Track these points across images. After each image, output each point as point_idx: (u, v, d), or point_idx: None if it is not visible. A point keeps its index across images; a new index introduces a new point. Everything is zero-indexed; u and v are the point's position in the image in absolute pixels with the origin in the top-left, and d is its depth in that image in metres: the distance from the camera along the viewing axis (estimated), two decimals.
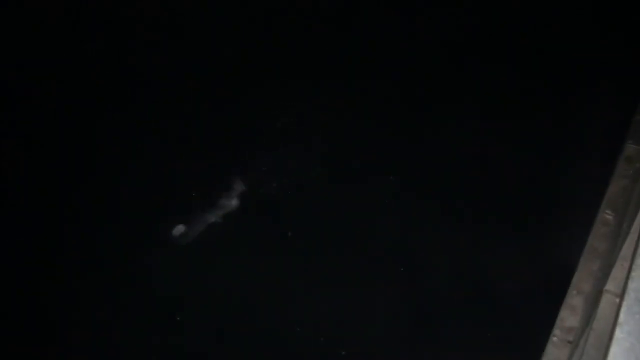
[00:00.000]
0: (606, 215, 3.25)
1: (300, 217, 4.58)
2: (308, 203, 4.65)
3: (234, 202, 4.66)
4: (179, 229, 4.42)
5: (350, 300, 4.07)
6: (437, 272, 4.15)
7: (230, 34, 5.72)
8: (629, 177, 3.37)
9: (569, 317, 2.96)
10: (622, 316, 1.94)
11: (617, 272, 2.41)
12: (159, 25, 5.76)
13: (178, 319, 4.03)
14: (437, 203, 4.54)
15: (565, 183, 4.48)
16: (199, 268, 4.33)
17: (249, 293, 4.12)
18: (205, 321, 4.04)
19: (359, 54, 5.59)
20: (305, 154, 4.96)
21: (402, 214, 4.52)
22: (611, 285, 2.40)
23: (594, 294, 2.80)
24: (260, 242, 4.45)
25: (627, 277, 1.99)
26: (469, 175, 4.67)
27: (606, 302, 2.36)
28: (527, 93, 5.19)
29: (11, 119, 5.10)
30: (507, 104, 5.13)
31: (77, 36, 5.56)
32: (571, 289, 3.06)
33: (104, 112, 5.17)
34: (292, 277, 4.22)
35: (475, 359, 3.70)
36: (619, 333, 1.94)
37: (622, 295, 1.97)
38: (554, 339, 2.89)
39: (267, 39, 5.69)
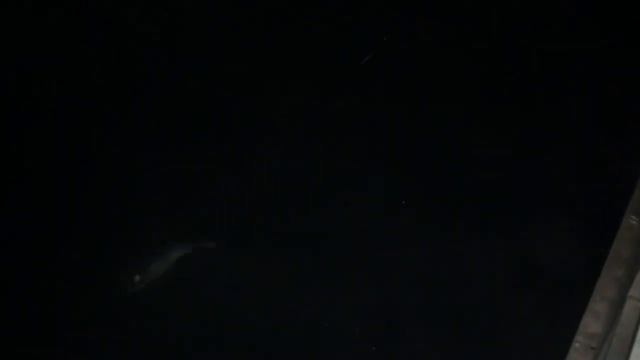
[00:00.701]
0: (631, 220, 3.25)
1: (298, 218, 4.58)
2: (304, 204, 4.64)
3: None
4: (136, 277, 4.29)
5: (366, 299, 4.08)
6: (457, 274, 4.16)
7: (230, 34, 5.71)
8: None
9: (592, 323, 2.96)
10: None
11: None
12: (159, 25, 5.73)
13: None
14: (452, 206, 4.56)
15: (590, 188, 4.49)
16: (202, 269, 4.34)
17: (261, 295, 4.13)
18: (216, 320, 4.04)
19: (359, 54, 5.58)
20: (301, 154, 4.95)
21: (408, 215, 4.53)
22: (635, 291, 2.39)
23: (618, 300, 2.80)
24: (263, 244, 4.46)
25: None
26: (484, 178, 4.68)
27: (630, 308, 2.35)
28: (540, 95, 5.21)
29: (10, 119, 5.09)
30: (521, 106, 5.14)
31: (77, 36, 5.53)
32: (595, 294, 3.05)
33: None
34: (302, 277, 4.23)
35: None
36: None
37: None
38: (577, 344, 2.89)
39: (267, 39, 5.67)
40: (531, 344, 3.78)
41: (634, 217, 3.28)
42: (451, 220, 4.48)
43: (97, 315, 4.07)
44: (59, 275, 4.23)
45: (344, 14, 5.86)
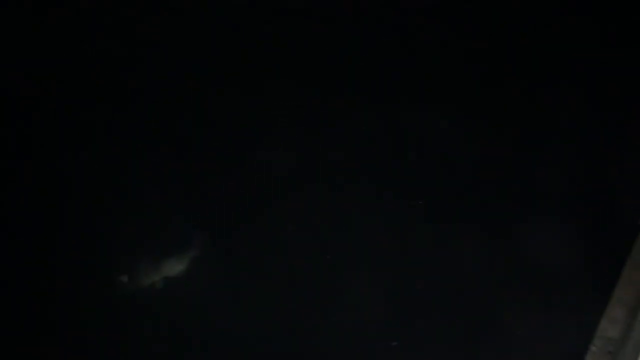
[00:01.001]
0: None
1: (298, 216, 4.58)
2: (302, 204, 4.65)
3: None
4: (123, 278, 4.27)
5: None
6: (469, 276, 4.15)
7: (230, 34, 5.71)
8: None
9: (609, 328, 2.97)
10: None
11: None
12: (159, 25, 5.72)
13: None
14: (468, 208, 4.56)
15: (608, 193, 4.48)
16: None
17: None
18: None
19: (358, 54, 5.58)
20: (300, 154, 4.95)
21: (414, 216, 4.53)
22: None
23: (636, 305, 2.80)
24: (269, 244, 4.45)
25: None
26: (498, 180, 4.69)
27: None
28: (540, 95, 5.21)
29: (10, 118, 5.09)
30: (522, 106, 5.15)
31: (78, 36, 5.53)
32: (613, 300, 3.05)
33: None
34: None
35: None
36: None
37: None
38: (593, 348, 2.89)
39: (267, 39, 5.67)
40: (548, 347, 3.75)
41: None
42: (465, 221, 4.49)
43: (93, 315, 4.07)
44: (53, 275, 4.24)
45: (344, 13, 5.86)
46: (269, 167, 4.84)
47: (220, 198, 4.67)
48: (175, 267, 4.29)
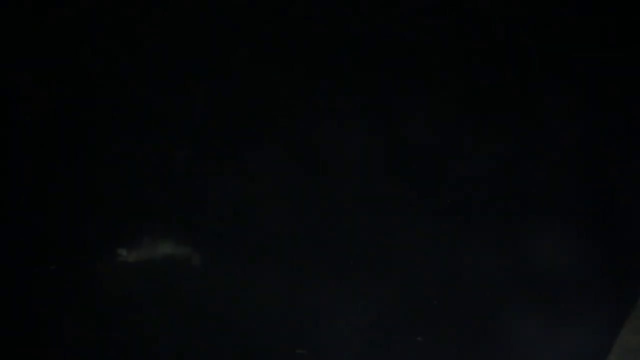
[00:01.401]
0: None
1: (299, 215, 4.58)
2: (302, 203, 4.65)
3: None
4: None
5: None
6: (486, 283, 4.13)
7: (230, 34, 5.72)
8: None
9: (632, 338, 2.93)
10: None
11: None
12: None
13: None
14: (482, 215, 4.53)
15: (635, 201, 4.48)
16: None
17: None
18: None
19: (358, 54, 5.59)
20: (301, 154, 4.96)
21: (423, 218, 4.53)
22: None
23: None
24: (276, 245, 4.44)
25: None
26: (513, 181, 4.69)
27: None
28: (541, 95, 5.21)
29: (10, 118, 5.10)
30: (523, 106, 5.15)
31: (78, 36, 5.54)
32: (636, 310, 3.03)
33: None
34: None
35: None
36: None
37: None
38: (612, 357, 2.86)
39: (267, 39, 5.68)
40: (565, 356, 3.73)
41: None
42: (478, 228, 4.48)
43: (88, 312, 4.05)
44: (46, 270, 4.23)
45: (343, 13, 5.87)
46: (268, 166, 4.84)
47: (218, 198, 4.68)
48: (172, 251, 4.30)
